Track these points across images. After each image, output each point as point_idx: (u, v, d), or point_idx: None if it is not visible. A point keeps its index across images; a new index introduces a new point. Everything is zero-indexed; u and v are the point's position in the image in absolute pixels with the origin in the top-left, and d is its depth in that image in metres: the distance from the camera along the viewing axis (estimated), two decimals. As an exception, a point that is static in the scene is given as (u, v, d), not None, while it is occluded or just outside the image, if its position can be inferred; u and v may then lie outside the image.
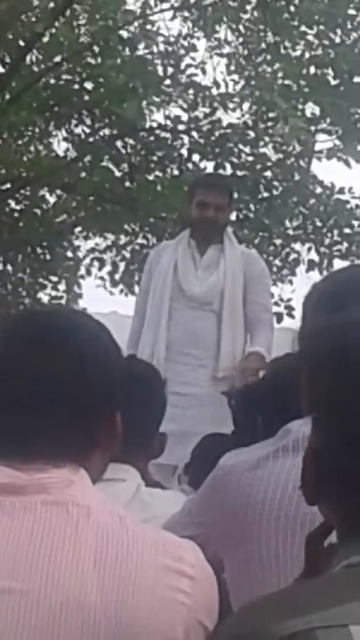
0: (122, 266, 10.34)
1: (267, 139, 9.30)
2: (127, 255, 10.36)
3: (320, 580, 1.10)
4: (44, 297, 10.69)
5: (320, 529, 1.27)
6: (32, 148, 10.34)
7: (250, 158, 9.37)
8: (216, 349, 4.50)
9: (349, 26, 9.24)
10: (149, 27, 9.24)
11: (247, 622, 1.03)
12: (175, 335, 4.55)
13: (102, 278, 10.28)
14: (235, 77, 9.85)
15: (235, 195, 9.19)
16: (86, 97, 9.31)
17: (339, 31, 9.29)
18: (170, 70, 9.11)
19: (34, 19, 8.98)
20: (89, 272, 10.36)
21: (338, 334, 1.22)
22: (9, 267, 10.57)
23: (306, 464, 1.22)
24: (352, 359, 1.18)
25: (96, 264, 10.40)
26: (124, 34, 8.83)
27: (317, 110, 8.94)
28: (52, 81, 9.42)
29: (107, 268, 10.34)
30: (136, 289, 9.35)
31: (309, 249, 9.74)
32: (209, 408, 4.25)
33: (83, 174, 9.72)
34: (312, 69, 9.14)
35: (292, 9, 9.18)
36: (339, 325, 1.25)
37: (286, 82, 8.86)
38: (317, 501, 1.23)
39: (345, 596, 1.01)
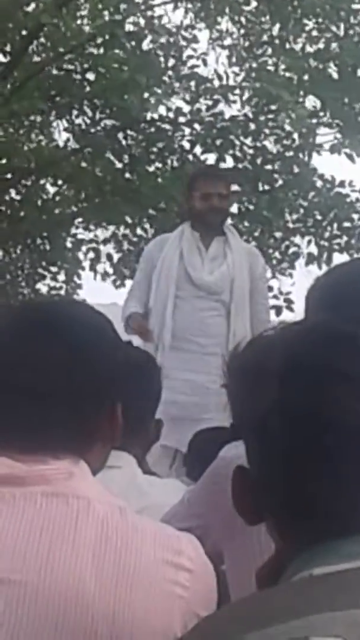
0: (116, 258, 10.32)
1: (267, 131, 9.30)
2: (126, 246, 10.35)
3: (278, 591, 1.08)
4: (43, 287, 10.69)
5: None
6: (33, 138, 10.33)
7: (251, 151, 9.37)
8: (225, 338, 4.50)
9: (352, 20, 9.23)
10: (152, 19, 9.22)
11: (208, 636, 1.04)
12: (180, 324, 4.54)
13: (106, 273, 10.27)
14: (236, 69, 9.84)
15: (237, 187, 9.25)
16: (88, 88, 9.30)
17: (342, 25, 9.28)
18: (172, 61, 9.10)
19: (36, 9, 8.96)
20: (92, 268, 10.35)
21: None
22: (9, 258, 10.57)
23: (235, 486, 1.20)
24: (263, 384, 1.15)
25: (92, 255, 10.38)
26: (127, 26, 8.82)
27: (317, 104, 8.94)
28: (54, 72, 9.41)
29: (106, 262, 10.33)
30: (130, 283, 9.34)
31: (309, 242, 9.75)
32: (214, 397, 4.25)
33: (84, 165, 9.71)
34: (314, 62, 9.13)
35: (295, 2, 9.17)
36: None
37: (288, 74, 8.86)
38: (256, 522, 1.20)
39: (306, 608, 1.00)
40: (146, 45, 8.98)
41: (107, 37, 8.52)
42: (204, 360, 4.43)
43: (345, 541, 1.08)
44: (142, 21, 9.16)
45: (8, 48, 9.33)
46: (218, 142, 8.98)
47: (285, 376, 1.13)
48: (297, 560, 1.09)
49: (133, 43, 8.68)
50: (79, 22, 9.58)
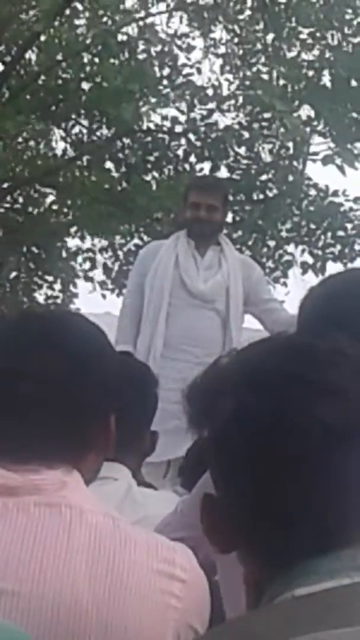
0: (116, 267, 10.33)
1: (261, 140, 9.31)
2: (122, 256, 10.36)
3: (261, 614, 1.06)
4: (39, 296, 10.69)
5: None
6: (30, 147, 10.34)
7: (245, 160, 9.38)
8: (222, 347, 4.48)
9: (347, 31, 9.26)
10: (148, 30, 9.24)
11: None
12: (173, 332, 4.51)
13: (92, 279, 10.27)
14: (230, 77, 9.86)
15: (230, 196, 9.25)
16: (84, 98, 9.32)
17: (335, 34, 9.30)
18: (166, 70, 9.12)
19: (33, 18, 8.98)
20: (87, 278, 10.36)
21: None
22: (6, 267, 10.57)
23: (204, 514, 1.16)
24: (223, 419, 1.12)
25: (88, 264, 10.39)
26: (121, 36, 8.84)
27: (312, 113, 8.96)
28: (50, 81, 9.43)
29: (100, 270, 10.34)
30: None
31: (303, 251, 9.76)
32: None
33: (80, 174, 9.73)
34: (308, 71, 9.16)
35: (289, 11, 9.20)
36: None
37: (282, 83, 8.88)
38: (229, 550, 1.16)
39: (289, 630, 0.99)
40: (140, 54, 9.00)
41: (100, 46, 8.54)
42: (197, 370, 4.41)
43: (324, 558, 1.06)
44: (135, 31, 9.18)
45: (6, 58, 9.34)
46: (212, 151, 8.99)
47: (240, 384, 1.10)
48: (277, 582, 1.07)
49: (127, 53, 8.71)
50: (74, 31, 9.58)
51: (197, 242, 4.64)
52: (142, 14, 9.29)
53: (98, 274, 10.36)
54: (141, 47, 9.00)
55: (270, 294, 4.97)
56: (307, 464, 1.06)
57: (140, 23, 9.27)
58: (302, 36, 9.55)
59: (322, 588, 1.04)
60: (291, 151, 9.45)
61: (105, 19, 8.81)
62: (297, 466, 1.06)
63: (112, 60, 8.72)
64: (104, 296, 10.21)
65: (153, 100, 8.38)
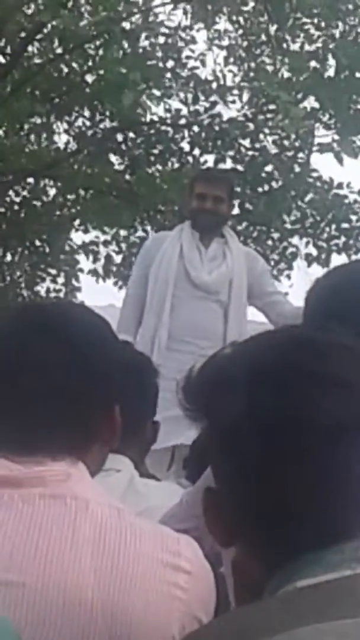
0: (118, 259, 10.32)
1: (267, 131, 9.30)
2: (125, 248, 10.35)
3: (264, 606, 1.07)
4: (42, 290, 10.69)
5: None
6: (33, 140, 10.33)
7: (250, 152, 9.37)
8: (222, 339, 4.48)
9: (351, 21, 9.23)
10: (151, 18, 9.22)
11: None
12: (177, 324, 4.51)
13: (94, 271, 10.26)
14: (235, 69, 9.85)
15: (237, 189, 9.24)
16: (87, 90, 9.31)
17: (340, 25, 9.28)
18: (170, 63, 9.10)
19: (35, 10, 8.97)
20: (90, 271, 10.35)
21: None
22: (9, 259, 10.57)
23: (206, 508, 1.17)
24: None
25: (90, 256, 10.38)
26: (125, 26, 8.82)
27: (316, 104, 8.94)
28: (53, 73, 9.42)
29: (102, 262, 10.33)
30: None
31: (307, 243, 9.75)
32: None
33: (83, 167, 9.72)
34: (313, 63, 9.13)
35: (293, 1, 9.17)
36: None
37: (286, 74, 8.86)
38: (230, 544, 1.17)
39: (292, 621, 1.00)
40: (143, 44, 8.98)
41: (104, 36, 8.52)
42: (200, 362, 4.38)
43: (327, 551, 1.07)
44: (139, 21, 9.15)
45: (7, 49, 9.33)
46: (217, 143, 8.98)
47: (253, 380, 1.10)
48: (279, 574, 1.08)
49: (130, 43, 8.69)
50: (77, 23, 9.57)
51: (201, 234, 4.64)
52: (147, 5, 9.26)
53: (100, 266, 10.34)
54: (144, 36, 8.97)
55: (274, 286, 4.96)
56: (314, 458, 1.07)
57: (144, 13, 9.24)
58: (306, 27, 9.53)
59: (324, 580, 1.04)
60: (296, 143, 9.43)
61: (105, 9, 8.78)
62: (304, 460, 1.07)
63: (114, 52, 8.69)
64: (116, 285, 10.15)
65: (156, 91, 8.36)
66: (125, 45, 8.67)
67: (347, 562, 1.06)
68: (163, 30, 9.10)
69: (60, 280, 10.69)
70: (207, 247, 4.63)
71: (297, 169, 9.51)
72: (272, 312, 4.64)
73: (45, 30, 9.09)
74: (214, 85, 9.12)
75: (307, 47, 9.48)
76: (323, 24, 9.32)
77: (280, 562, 1.08)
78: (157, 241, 4.84)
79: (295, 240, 9.86)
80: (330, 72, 8.87)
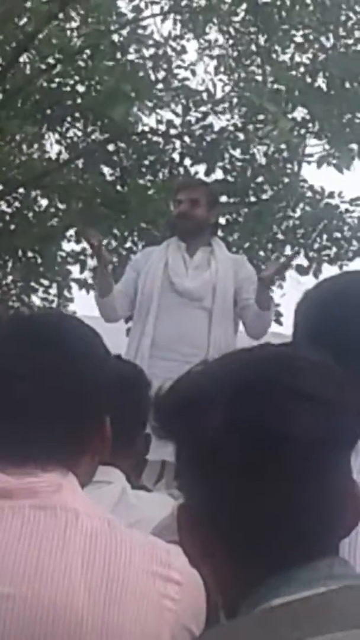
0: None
1: (256, 141, 9.32)
2: (115, 259, 10.33)
3: (241, 624, 1.07)
4: (35, 300, 10.67)
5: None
6: (24, 150, 10.33)
7: (240, 162, 9.38)
8: (206, 345, 4.48)
9: (341, 32, 9.27)
10: (140, 30, 9.25)
11: None
12: (161, 332, 4.51)
13: (85, 283, 10.22)
14: (225, 78, 9.88)
15: (225, 198, 9.27)
16: (79, 100, 9.32)
17: (330, 36, 9.32)
18: (161, 73, 9.12)
19: (27, 21, 8.98)
20: (78, 282, 10.31)
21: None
22: (1, 271, 10.55)
23: (181, 525, 1.16)
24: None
25: (78, 266, 10.35)
26: (115, 37, 8.84)
27: (306, 115, 8.97)
28: (45, 84, 9.42)
29: (88, 272, 10.29)
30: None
31: (297, 254, 9.74)
32: None
33: (74, 177, 9.72)
34: (303, 73, 9.17)
35: (283, 13, 9.21)
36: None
37: (276, 86, 8.89)
38: (204, 563, 1.16)
39: (281, 636, 1.00)
40: (133, 56, 9.01)
41: (93, 48, 8.54)
42: (185, 369, 4.36)
43: (302, 569, 1.07)
44: (129, 32, 9.18)
45: (0, 61, 9.35)
46: (207, 154, 9.00)
47: (230, 397, 1.10)
48: (255, 592, 1.07)
49: (119, 54, 8.71)
50: (68, 34, 9.59)
51: (187, 244, 4.65)
52: (135, 16, 9.28)
53: (88, 276, 10.31)
54: (133, 48, 8.99)
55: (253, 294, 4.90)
56: (290, 474, 1.07)
57: (133, 25, 9.26)
58: (296, 39, 9.56)
59: (298, 597, 1.05)
60: (285, 153, 9.45)
61: (97, 20, 8.81)
62: (279, 476, 1.07)
63: (104, 62, 8.71)
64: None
65: (147, 102, 8.38)
66: (116, 56, 8.69)
67: (322, 579, 1.06)
68: (152, 42, 9.13)
69: (53, 291, 10.67)
70: (192, 256, 4.65)
71: (287, 179, 9.53)
72: (246, 317, 4.62)
73: (36, 41, 9.10)
74: (205, 95, 9.14)
75: (297, 59, 9.52)
76: (312, 37, 9.35)
77: (255, 580, 1.08)
78: (145, 255, 4.88)
79: (287, 250, 9.87)
80: (321, 83, 8.91)
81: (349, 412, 1.10)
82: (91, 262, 10.19)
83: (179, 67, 9.37)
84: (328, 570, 1.07)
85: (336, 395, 1.10)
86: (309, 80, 9.03)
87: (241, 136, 9.17)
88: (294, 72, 9.16)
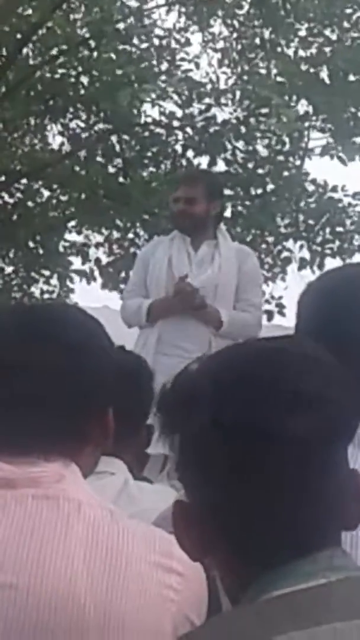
0: (105, 261, 10.28)
1: (259, 134, 9.30)
2: (116, 249, 10.33)
3: (241, 615, 1.08)
4: (36, 291, 10.68)
5: None
6: (27, 141, 10.32)
7: (243, 155, 9.37)
8: (208, 342, 4.49)
9: (346, 25, 9.26)
10: (145, 21, 9.23)
11: None
12: (167, 328, 4.52)
13: (86, 274, 10.22)
14: (228, 71, 9.86)
15: (228, 192, 9.25)
16: (82, 92, 9.30)
17: (335, 29, 9.31)
18: (164, 65, 9.11)
19: (30, 12, 8.97)
20: (80, 273, 10.32)
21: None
22: (3, 261, 10.55)
23: (177, 521, 1.17)
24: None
25: (80, 259, 10.36)
26: (119, 27, 8.83)
27: (310, 108, 8.96)
28: (48, 75, 9.41)
29: (91, 263, 10.29)
30: (121, 286, 9.31)
31: (301, 247, 9.75)
32: None
33: (77, 169, 9.71)
34: (306, 67, 9.15)
35: (287, 6, 9.20)
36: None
37: (280, 79, 8.88)
38: (200, 558, 1.18)
39: (268, 630, 1.01)
40: (137, 46, 8.99)
41: (97, 37, 8.52)
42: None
43: (301, 561, 1.07)
44: (133, 22, 9.16)
45: (2, 51, 9.33)
46: (210, 146, 8.98)
47: (217, 394, 1.10)
48: (254, 586, 1.08)
49: (123, 45, 8.70)
50: (71, 25, 9.57)
51: (192, 238, 4.64)
52: (139, 6, 9.26)
53: (87, 267, 10.32)
54: (137, 38, 8.97)
55: (258, 299, 4.85)
56: (282, 471, 1.07)
57: (137, 15, 9.25)
58: (300, 33, 9.55)
59: (298, 589, 1.05)
60: (288, 146, 9.44)
61: (100, 10, 8.79)
62: (272, 473, 1.07)
63: (108, 53, 8.70)
64: (104, 287, 10.10)
65: (153, 94, 8.36)
66: (119, 47, 8.68)
67: (322, 571, 1.07)
68: (157, 32, 9.12)
69: (54, 281, 10.67)
70: (196, 250, 4.64)
71: (290, 172, 9.52)
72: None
73: (40, 32, 9.09)
74: (208, 87, 9.13)
75: (301, 52, 9.50)
76: (316, 30, 9.34)
77: (254, 574, 1.08)
78: (152, 247, 4.87)
79: (289, 243, 9.87)
80: (325, 76, 8.89)
81: (342, 407, 1.09)
82: (93, 254, 10.19)
83: (182, 59, 9.35)
84: (328, 562, 1.08)
85: (326, 391, 1.09)
86: (312, 71, 9.01)
87: (244, 129, 9.16)
88: (298, 65, 9.14)
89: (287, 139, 9.22)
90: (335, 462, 1.11)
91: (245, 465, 1.08)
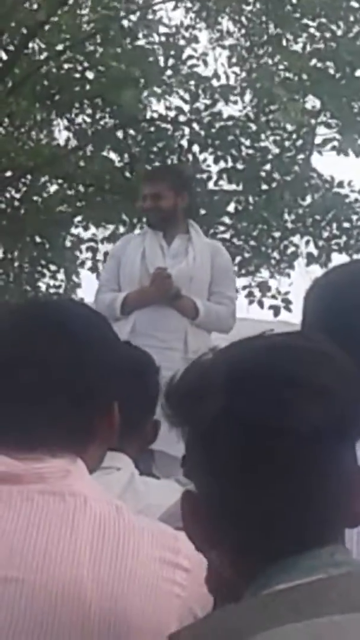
0: None
1: (268, 132, 9.30)
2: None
3: (244, 607, 1.08)
4: (42, 286, 10.68)
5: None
6: (33, 136, 10.32)
7: (250, 151, 9.36)
8: (184, 332, 4.50)
9: (352, 19, 9.24)
10: (150, 16, 9.22)
11: None
12: (140, 319, 4.51)
13: (96, 269, 10.23)
14: (237, 69, 9.85)
15: (234, 187, 9.24)
16: (87, 87, 9.30)
17: (341, 24, 9.28)
18: (171, 61, 9.10)
19: (36, 7, 8.96)
20: (82, 264, 10.34)
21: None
22: (9, 256, 10.56)
23: (185, 511, 1.17)
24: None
25: (89, 253, 10.36)
26: (125, 23, 8.82)
27: (317, 103, 8.95)
28: (54, 70, 9.41)
29: (98, 258, 10.30)
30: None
31: (308, 242, 9.74)
32: None
33: (83, 164, 9.71)
34: (314, 62, 9.14)
35: (294, 1, 9.18)
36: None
37: (287, 74, 8.87)
38: (207, 549, 1.17)
39: (270, 622, 1.02)
40: (142, 42, 8.98)
41: (103, 33, 8.52)
42: (164, 355, 4.32)
43: (304, 556, 1.08)
44: (138, 18, 9.15)
45: (9, 46, 9.33)
46: (217, 142, 8.98)
47: (230, 386, 1.10)
48: (258, 579, 1.09)
49: (129, 40, 8.69)
50: (77, 20, 9.57)
51: (164, 232, 4.66)
52: (148, 3, 9.25)
53: (99, 263, 10.31)
54: (143, 34, 8.96)
55: (232, 292, 4.87)
56: (291, 465, 1.08)
57: (144, 11, 9.24)
58: (307, 27, 9.53)
59: (300, 583, 1.06)
60: (297, 143, 9.43)
61: (105, 6, 8.78)
62: (281, 467, 1.08)
63: (114, 48, 8.69)
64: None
65: (158, 90, 8.36)
66: (126, 42, 8.67)
67: (324, 567, 1.07)
68: (163, 28, 9.11)
69: (60, 276, 10.68)
70: (169, 243, 4.66)
71: (297, 167, 9.51)
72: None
73: (46, 27, 9.08)
74: (215, 82, 9.12)
75: (308, 48, 9.48)
76: (324, 22, 9.32)
77: (258, 567, 1.09)
78: (124, 243, 4.89)
79: (296, 239, 9.86)
80: (331, 71, 8.88)
81: (352, 403, 1.09)
82: (102, 248, 10.19)
83: (190, 57, 9.34)
84: (330, 557, 1.08)
85: (337, 385, 1.09)
86: (320, 66, 9.00)
87: (252, 125, 9.15)
88: (305, 61, 9.12)
89: (294, 135, 9.21)
90: (343, 459, 1.11)
91: (255, 458, 1.08)
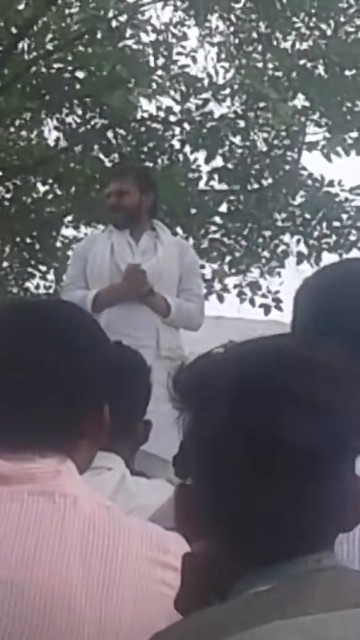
0: None
1: (256, 129, 9.30)
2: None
3: (228, 606, 1.10)
4: (32, 286, 10.67)
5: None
6: (23, 136, 10.31)
7: (240, 150, 9.37)
8: (155, 329, 4.49)
9: (341, 19, 9.25)
10: (139, 16, 9.21)
11: None
12: (112, 317, 4.47)
13: None
14: (226, 65, 9.84)
15: (225, 186, 9.24)
16: (77, 86, 9.29)
17: (331, 23, 9.30)
18: (161, 60, 9.09)
19: (26, 7, 8.95)
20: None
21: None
22: (-1, 256, 10.55)
23: (179, 504, 1.19)
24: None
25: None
26: (114, 23, 8.80)
27: (306, 102, 8.96)
28: (44, 69, 9.40)
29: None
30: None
31: (298, 241, 9.75)
32: (155, 387, 4.20)
33: (73, 164, 9.70)
34: (303, 61, 9.15)
35: (283, 0, 9.19)
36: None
37: (276, 73, 8.87)
38: (195, 540, 1.19)
39: (254, 620, 1.02)
40: (131, 41, 8.97)
41: (91, 33, 8.50)
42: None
43: (291, 562, 1.09)
44: (127, 18, 9.14)
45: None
46: (207, 141, 8.98)
47: (237, 396, 1.12)
48: (242, 582, 1.10)
49: (118, 40, 8.68)
50: (67, 20, 9.56)
51: (130, 230, 4.65)
52: (135, 1, 9.23)
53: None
54: (131, 34, 8.94)
55: (200, 289, 4.92)
56: (288, 478, 1.09)
57: (132, 12, 9.22)
58: (297, 25, 9.54)
59: (284, 584, 1.08)
60: (285, 141, 9.44)
61: (94, 7, 8.76)
62: (278, 479, 1.10)
63: (103, 48, 8.68)
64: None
65: (148, 90, 8.35)
66: (115, 42, 8.66)
67: (310, 572, 1.09)
68: (152, 28, 9.10)
69: (50, 277, 10.67)
70: (137, 241, 4.65)
71: (287, 166, 9.51)
72: None
73: (35, 27, 9.07)
74: (206, 82, 9.11)
75: (297, 46, 9.49)
76: (313, 22, 9.33)
77: (244, 570, 1.10)
78: (90, 241, 4.89)
79: (286, 238, 9.86)
80: (321, 71, 8.89)
81: (351, 418, 1.11)
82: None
83: (179, 54, 9.34)
84: (316, 564, 1.10)
85: (337, 401, 1.11)
86: (309, 67, 9.01)
87: (241, 123, 9.15)
88: (294, 59, 9.13)
89: (284, 134, 9.22)
90: (341, 472, 1.12)
91: (253, 466, 1.10)
